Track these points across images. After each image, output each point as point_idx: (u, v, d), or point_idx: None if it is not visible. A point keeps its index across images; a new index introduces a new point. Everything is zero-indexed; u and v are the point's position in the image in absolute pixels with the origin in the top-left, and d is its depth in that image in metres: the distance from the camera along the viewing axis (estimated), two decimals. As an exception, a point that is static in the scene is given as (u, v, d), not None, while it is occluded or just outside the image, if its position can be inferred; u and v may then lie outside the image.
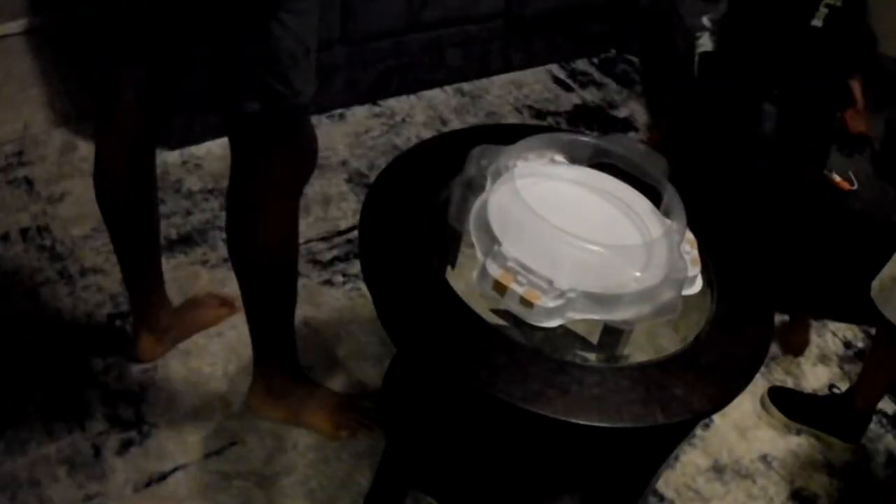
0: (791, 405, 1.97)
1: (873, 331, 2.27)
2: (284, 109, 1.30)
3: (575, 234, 1.09)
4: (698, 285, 1.22)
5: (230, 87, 1.29)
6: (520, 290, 1.08)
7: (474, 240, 1.16)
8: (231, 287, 1.99)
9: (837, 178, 2.22)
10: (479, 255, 1.14)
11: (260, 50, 1.22)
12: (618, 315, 1.09)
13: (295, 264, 1.52)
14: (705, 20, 2.60)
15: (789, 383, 2.08)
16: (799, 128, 2.21)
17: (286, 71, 1.25)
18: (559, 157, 1.33)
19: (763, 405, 1.99)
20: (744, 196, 2.18)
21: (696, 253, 1.23)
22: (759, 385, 2.05)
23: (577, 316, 1.09)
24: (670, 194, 1.22)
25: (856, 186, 2.18)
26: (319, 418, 1.71)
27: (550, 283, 1.07)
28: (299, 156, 1.40)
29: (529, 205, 1.11)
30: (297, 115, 1.34)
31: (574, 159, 1.33)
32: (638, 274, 1.11)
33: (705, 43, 2.61)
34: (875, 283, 1.68)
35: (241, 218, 1.45)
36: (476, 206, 1.19)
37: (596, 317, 1.09)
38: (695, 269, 1.20)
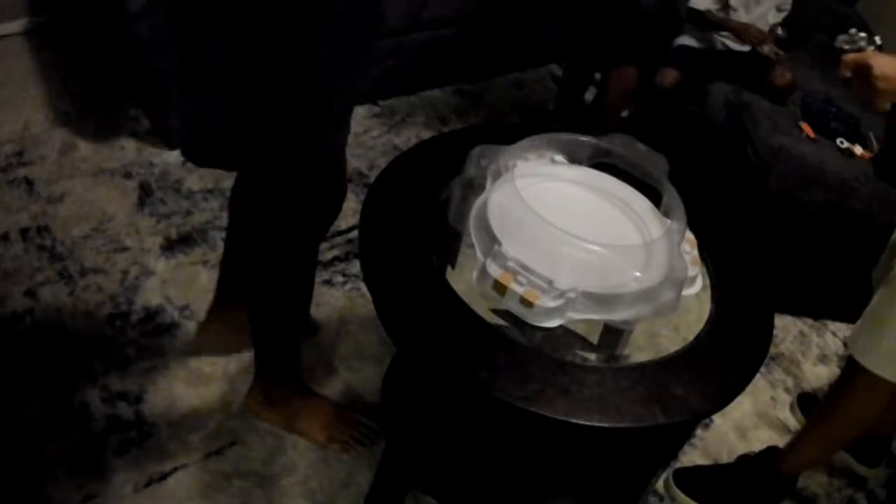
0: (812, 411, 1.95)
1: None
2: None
3: (575, 234, 1.09)
4: (698, 285, 1.22)
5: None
6: (520, 289, 1.08)
7: (474, 240, 1.16)
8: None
9: (859, 150, 2.24)
10: (479, 254, 1.14)
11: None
12: (618, 315, 1.09)
13: (299, 295, 1.53)
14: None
15: (789, 383, 2.08)
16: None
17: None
18: (559, 157, 1.33)
19: (791, 409, 2.00)
20: (744, 196, 2.18)
21: (696, 253, 1.23)
22: (759, 385, 2.06)
23: (577, 316, 1.09)
24: (670, 194, 1.22)
25: (876, 151, 2.22)
26: (314, 428, 1.71)
27: (550, 282, 1.07)
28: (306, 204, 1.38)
29: (529, 205, 1.11)
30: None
31: (574, 159, 1.33)
32: (638, 274, 1.11)
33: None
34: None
35: (252, 251, 1.49)
36: (476, 206, 1.19)
37: (596, 317, 1.09)
38: (695, 269, 1.20)
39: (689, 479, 1.75)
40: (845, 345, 1.50)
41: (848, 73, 1.30)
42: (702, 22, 2.54)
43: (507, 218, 1.14)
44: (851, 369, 1.50)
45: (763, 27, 2.51)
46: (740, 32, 2.47)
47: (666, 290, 1.10)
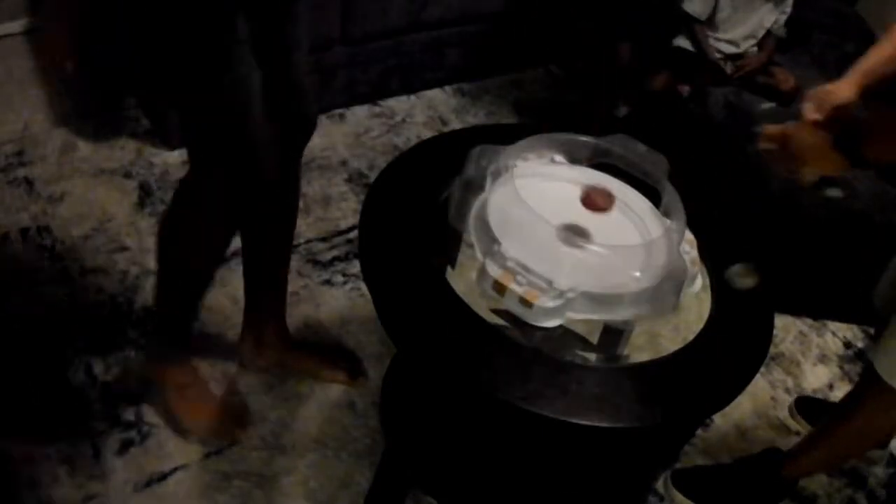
0: (817, 416, 1.96)
1: (873, 331, 2.28)
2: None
3: (575, 235, 1.09)
4: (698, 285, 1.22)
5: None
6: (519, 289, 1.08)
7: (474, 240, 1.16)
8: (232, 286, 1.99)
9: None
10: (478, 254, 1.14)
11: None
12: (617, 315, 1.09)
13: (185, 273, 1.54)
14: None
15: (789, 383, 2.08)
16: None
17: None
18: (559, 157, 1.33)
19: (790, 412, 1.99)
20: (744, 196, 2.18)
21: (695, 253, 1.23)
22: (759, 385, 2.06)
23: (576, 316, 1.09)
24: (670, 194, 1.22)
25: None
26: (192, 414, 1.69)
27: (550, 283, 1.07)
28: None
29: (529, 205, 1.11)
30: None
31: (574, 159, 1.33)
32: (637, 274, 1.11)
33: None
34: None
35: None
36: (476, 205, 1.19)
37: (595, 317, 1.09)
38: (694, 269, 1.20)
39: (688, 479, 1.75)
40: (870, 362, 1.47)
41: (767, 146, 1.28)
42: (692, 31, 2.54)
43: (507, 218, 1.14)
44: (871, 385, 1.48)
45: (759, 31, 2.50)
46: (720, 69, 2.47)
47: (665, 290, 1.10)
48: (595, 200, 1.20)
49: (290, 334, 1.83)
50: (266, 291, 1.74)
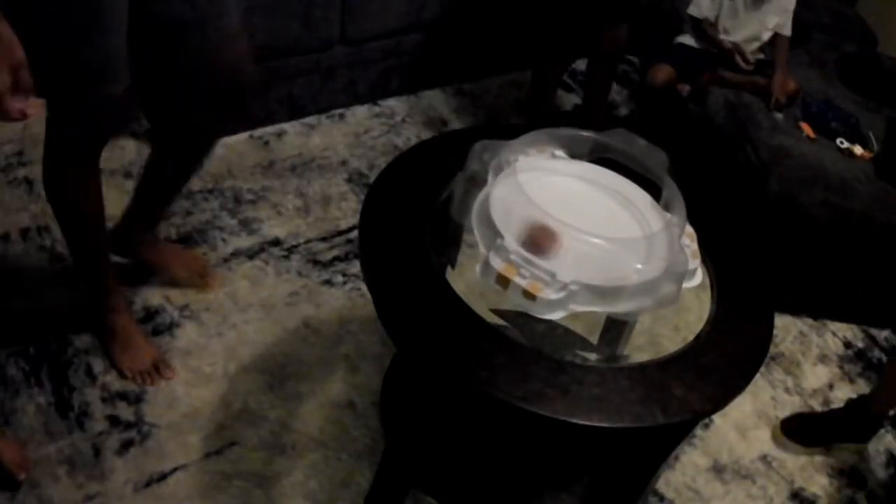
0: (805, 431, 1.93)
1: (873, 331, 2.28)
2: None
3: (577, 228, 1.09)
4: (698, 278, 1.22)
5: None
6: (523, 282, 1.08)
7: (477, 234, 1.16)
8: (231, 287, 1.99)
9: (859, 150, 2.25)
10: (481, 248, 1.14)
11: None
12: (619, 307, 1.09)
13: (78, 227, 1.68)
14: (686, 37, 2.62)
15: (789, 383, 2.08)
16: None
17: None
18: (560, 152, 1.33)
19: (773, 438, 1.94)
20: (744, 196, 2.18)
21: (695, 246, 1.23)
22: (759, 385, 2.05)
23: (579, 308, 1.09)
24: (670, 188, 1.22)
25: (876, 151, 2.29)
26: (117, 350, 1.80)
27: (553, 275, 1.07)
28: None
29: (531, 198, 1.12)
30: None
31: (575, 154, 1.33)
32: (639, 266, 1.11)
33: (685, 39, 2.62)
34: None
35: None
36: (478, 200, 1.19)
37: (597, 309, 1.10)
38: (695, 263, 1.21)
39: (792, 425, 1.93)
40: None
41: None
42: (700, 29, 2.54)
43: (510, 212, 1.14)
44: None
45: (763, 33, 2.50)
46: (730, 58, 2.47)
47: (667, 282, 1.10)
48: (539, 240, 1.12)
49: (156, 235, 1.99)
50: (157, 206, 1.92)
